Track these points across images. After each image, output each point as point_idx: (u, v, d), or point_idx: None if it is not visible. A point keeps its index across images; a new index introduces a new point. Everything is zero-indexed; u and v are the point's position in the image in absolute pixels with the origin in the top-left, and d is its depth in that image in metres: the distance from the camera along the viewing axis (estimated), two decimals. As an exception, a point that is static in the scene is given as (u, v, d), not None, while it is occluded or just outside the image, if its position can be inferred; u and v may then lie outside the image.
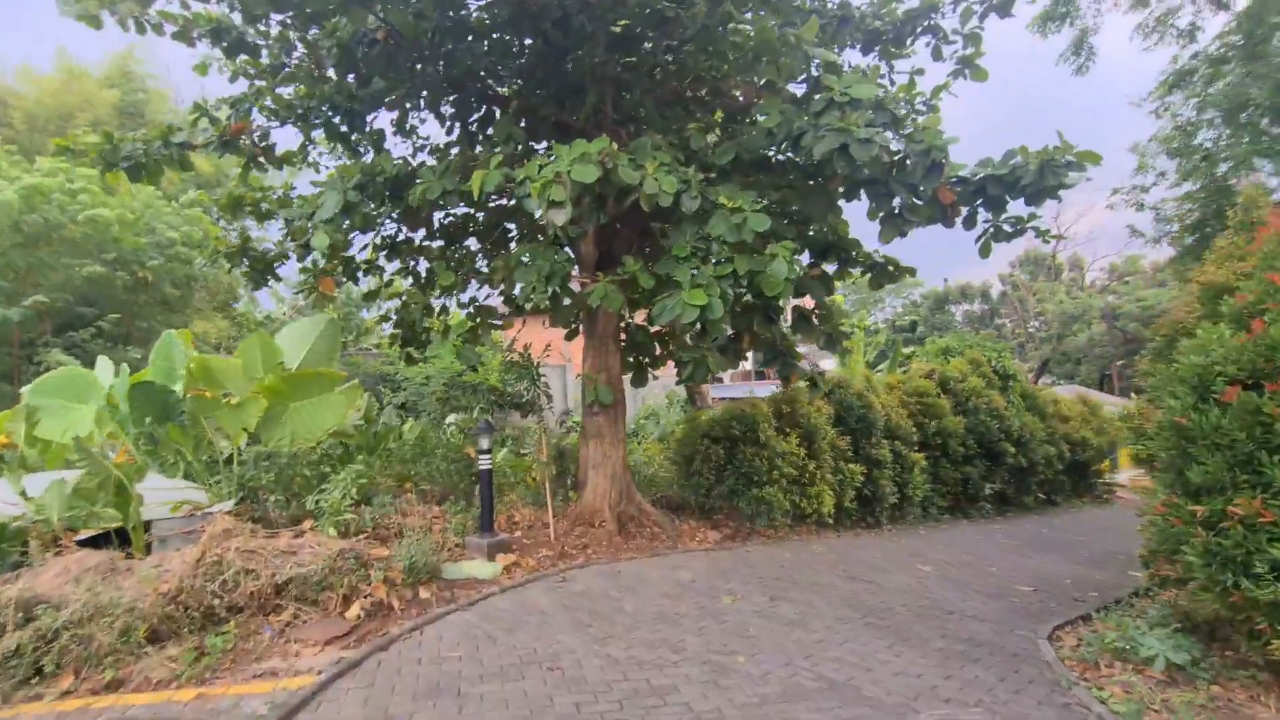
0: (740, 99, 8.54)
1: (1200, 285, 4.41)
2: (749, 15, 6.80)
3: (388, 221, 8.93)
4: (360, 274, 9.53)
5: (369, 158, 7.80)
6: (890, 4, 7.11)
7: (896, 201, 6.47)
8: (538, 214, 5.21)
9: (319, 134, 8.60)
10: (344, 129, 7.76)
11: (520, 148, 7.16)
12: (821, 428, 9.84)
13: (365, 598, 4.84)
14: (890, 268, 7.59)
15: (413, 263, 9.56)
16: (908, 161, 5.97)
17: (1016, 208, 7.11)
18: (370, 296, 8.97)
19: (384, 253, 9.43)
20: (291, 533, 5.49)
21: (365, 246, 8.38)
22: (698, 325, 6.16)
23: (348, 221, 6.93)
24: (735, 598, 5.51)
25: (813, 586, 6.06)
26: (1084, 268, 50.14)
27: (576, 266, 7.66)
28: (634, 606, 5.16)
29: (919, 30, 7.13)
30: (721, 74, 8.03)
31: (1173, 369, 3.84)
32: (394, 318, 9.31)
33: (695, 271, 5.82)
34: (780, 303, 8.46)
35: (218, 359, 7.19)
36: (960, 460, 12.70)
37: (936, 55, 7.21)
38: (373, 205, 7.25)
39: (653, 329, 9.46)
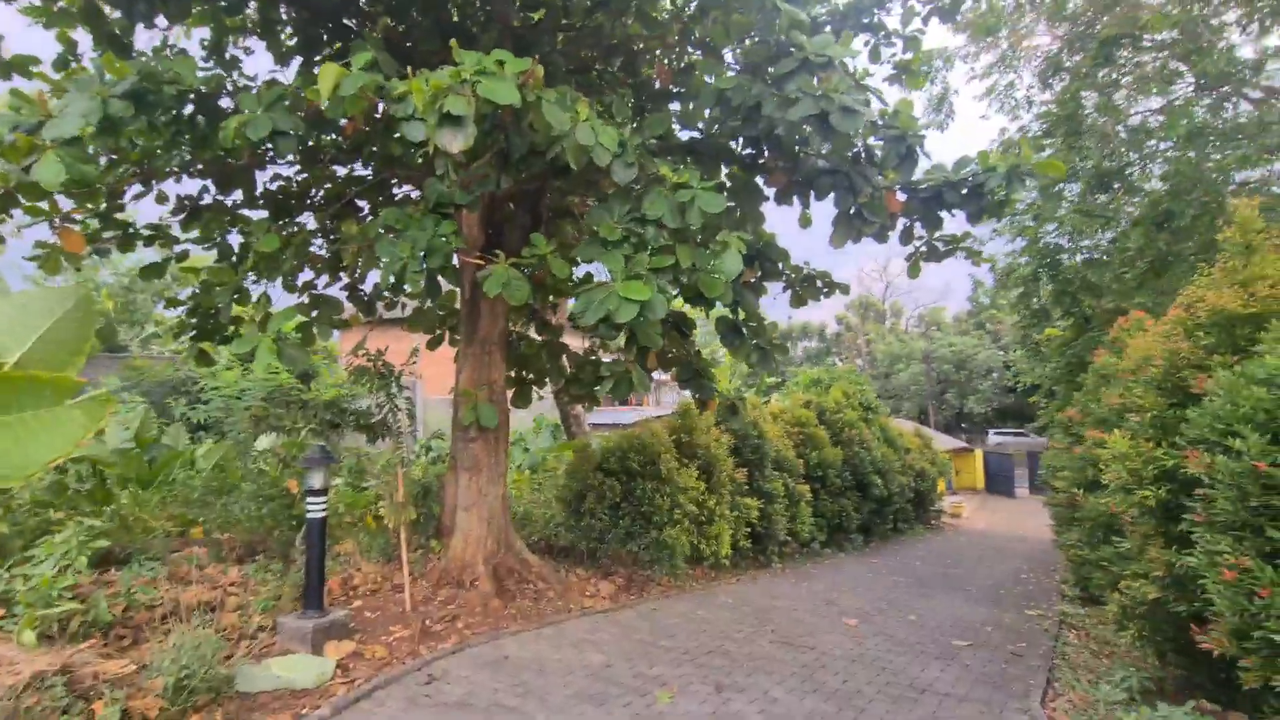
0: (656, 82, 7.47)
1: (1207, 313, 3.97)
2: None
3: (185, 175, 6.63)
4: (143, 244, 7.00)
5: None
6: (834, -9, 6.45)
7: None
8: (418, 137, 3.55)
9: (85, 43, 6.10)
10: (118, 31, 5.45)
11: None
12: (721, 459, 8.88)
13: (83, 756, 2.80)
14: (820, 282, 6.82)
15: (220, 235, 7.22)
16: (874, 152, 5.20)
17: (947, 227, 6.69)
18: (152, 272, 6.49)
19: (180, 217, 7.01)
20: (-46, 636, 3.23)
21: (140, 196, 6.01)
22: (623, 330, 4.85)
23: (110, 152, 4.72)
24: (673, 692, 4.15)
25: (754, 662, 4.88)
26: (900, 315, 56.21)
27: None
28: (542, 722, 3.60)
29: (862, 25, 6.52)
30: (640, 44, 6.90)
31: (1231, 408, 3.23)
32: (189, 304, 6.90)
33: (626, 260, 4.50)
34: (691, 313, 7.41)
35: None
36: (837, 491, 12.52)
37: (875, 56, 6.64)
38: (158, 134, 5.06)
39: (539, 337, 7.97)
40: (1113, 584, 5.02)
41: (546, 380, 8.02)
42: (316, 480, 4.51)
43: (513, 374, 7.63)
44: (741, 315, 6.33)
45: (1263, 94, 13.90)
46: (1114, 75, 14.75)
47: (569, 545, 7.94)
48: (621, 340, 5.09)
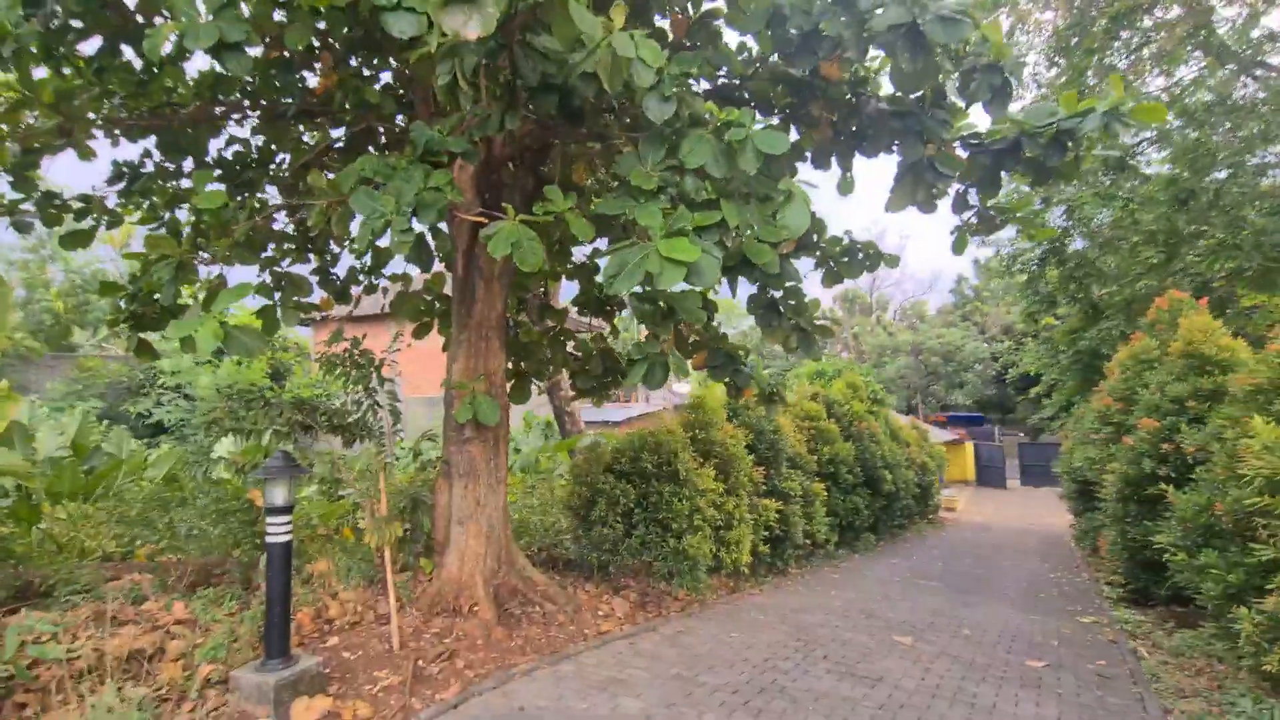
0: (670, 34, 6.60)
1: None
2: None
3: (124, 137, 5.64)
4: (73, 218, 5.96)
5: None
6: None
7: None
8: (409, 31, 2.64)
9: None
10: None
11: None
12: (740, 457, 8.06)
13: None
14: (863, 255, 5.99)
15: (168, 210, 6.20)
16: (944, 92, 4.40)
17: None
18: (74, 240, 5.45)
19: (117, 187, 6.00)
20: None
21: (58, 149, 4.98)
22: (656, 304, 4.00)
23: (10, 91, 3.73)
24: (737, 752, 3.31)
25: (820, 702, 4.06)
26: (886, 307, 56.10)
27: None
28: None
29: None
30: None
31: None
32: (127, 289, 5.88)
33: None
34: (713, 290, 6.56)
35: None
36: (848, 489, 11.81)
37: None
38: (80, 75, 4.09)
39: (537, 325, 7.08)
40: (1233, 596, 4.30)
41: (555, 370, 7.13)
42: (278, 495, 3.57)
43: (509, 365, 6.74)
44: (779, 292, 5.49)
45: (1272, 72, 13.45)
46: (1121, 54, 14.25)
47: (572, 557, 7.06)
48: (622, 322, 4.24)
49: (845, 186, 5.83)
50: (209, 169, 6.26)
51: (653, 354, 4.11)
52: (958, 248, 6.17)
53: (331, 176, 3.99)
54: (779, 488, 9.18)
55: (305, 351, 15.86)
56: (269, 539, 3.55)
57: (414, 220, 3.68)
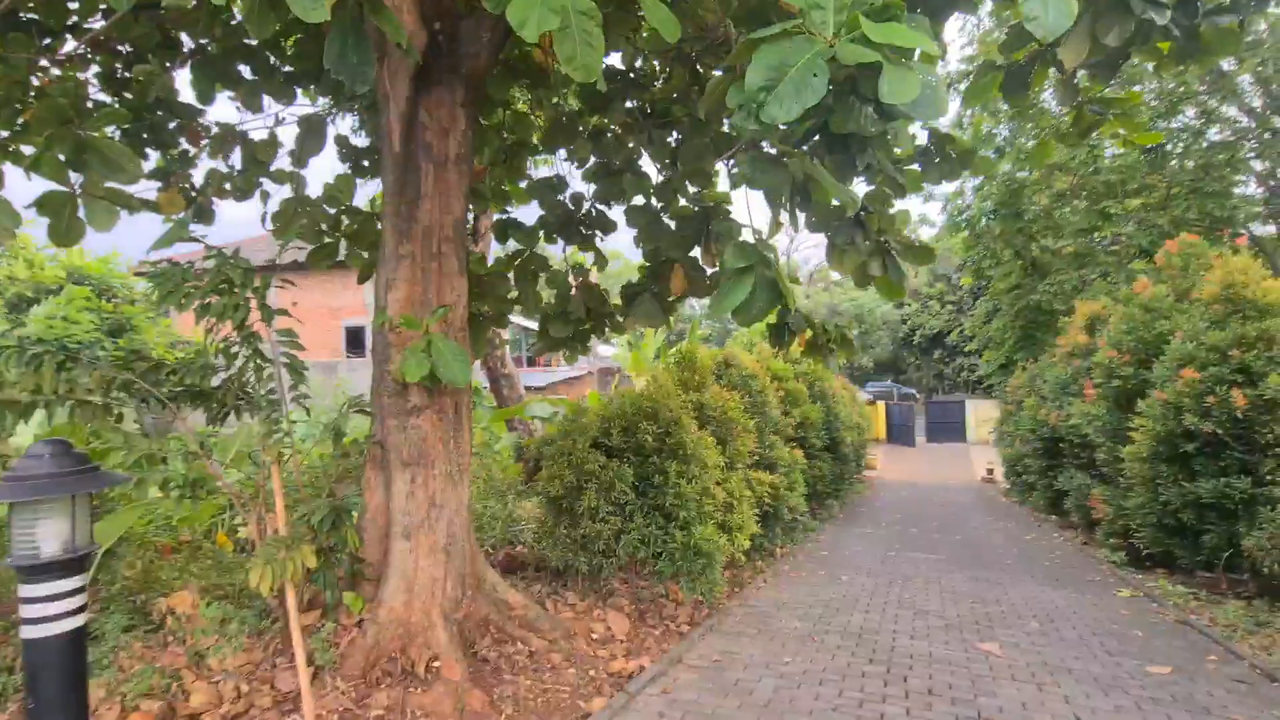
0: None
1: None
2: None
3: None
4: None
5: None
6: None
7: None
8: None
9: None
10: None
11: None
12: (740, 422, 6.66)
13: None
14: (940, 158, 4.57)
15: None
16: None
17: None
18: None
19: None
20: None
21: None
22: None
23: None
24: None
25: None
26: (795, 269, 56.84)
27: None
28: None
29: None
30: None
31: None
32: None
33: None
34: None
35: None
36: (814, 453, 10.83)
37: None
38: None
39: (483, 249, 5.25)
40: None
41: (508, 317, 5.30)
42: (48, 536, 1.65)
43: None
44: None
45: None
46: None
47: (546, 556, 5.39)
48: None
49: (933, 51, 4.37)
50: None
51: (760, 262, 2.48)
52: (1042, 154, 4.90)
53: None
54: (767, 457, 7.94)
55: (155, 303, 12.74)
56: (25, 631, 1.64)
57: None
